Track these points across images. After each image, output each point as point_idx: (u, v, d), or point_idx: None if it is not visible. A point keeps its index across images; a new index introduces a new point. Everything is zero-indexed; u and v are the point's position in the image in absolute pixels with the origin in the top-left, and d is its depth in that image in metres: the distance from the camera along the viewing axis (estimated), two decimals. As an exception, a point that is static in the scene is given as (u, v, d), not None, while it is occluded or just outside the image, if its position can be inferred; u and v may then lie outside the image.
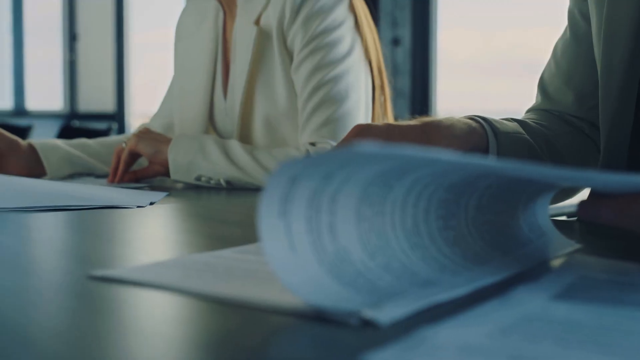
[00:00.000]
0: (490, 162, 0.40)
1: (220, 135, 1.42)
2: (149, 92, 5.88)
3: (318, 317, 0.38)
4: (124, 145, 1.27)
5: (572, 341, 0.33)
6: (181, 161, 1.21)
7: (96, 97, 5.96)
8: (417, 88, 3.49)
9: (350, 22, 1.30)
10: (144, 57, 5.86)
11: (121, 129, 5.47)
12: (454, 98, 3.95)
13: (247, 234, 0.73)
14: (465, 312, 0.38)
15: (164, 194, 1.01)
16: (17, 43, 6.46)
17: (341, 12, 1.28)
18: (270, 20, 1.30)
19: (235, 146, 1.21)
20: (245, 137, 1.34)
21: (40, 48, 6.44)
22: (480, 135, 0.74)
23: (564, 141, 0.85)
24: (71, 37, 6.13)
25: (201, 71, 1.43)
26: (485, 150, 0.75)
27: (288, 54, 1.30)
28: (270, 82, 1.31)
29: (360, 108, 1.27)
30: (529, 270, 0.50)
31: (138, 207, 0.88)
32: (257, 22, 1.32)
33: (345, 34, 1.28)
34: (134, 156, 1.27)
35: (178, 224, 0.83)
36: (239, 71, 1.34)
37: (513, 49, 4.17)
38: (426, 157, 0.38)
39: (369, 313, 0.37)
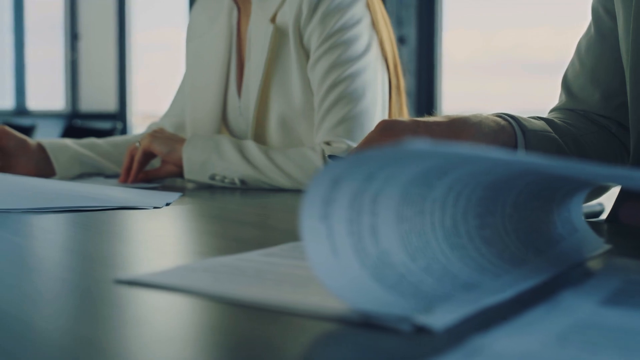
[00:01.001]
0: (539, 159, 0.38)
1: (234, 135, 1.41)
2: (151, 92, 5.88)
3: (365, 323, 0.36)
4: (137, 144, 1.26)
5: (636, 350, 0.32)
6: (196, 160, 1.20)
7: (98, 97, 5.95)
8: (423, 87, 3.48)
9: (367, 20, 1.28)
10: (146, 56, 5.84)
11: (124, 129, 5.45)
12: (456, 98, 3.94)
13: (266, 236, 0.71)
14: (515, 319, 0.37)
15: (179, 194, 1.00)
16: (18, 42, 6.45)
17: (358, 9, 1.27)
18: (286, 17, 1.29)
19: (250, 146, 1.20)
20: (260, 136, 1.32)
21: (41, 47, 6.43)
22: (509, 133, 0.73)
23: (590, 140, 0.83)
24: (73, 37, 6.12)
25: (214, 70, 1.41)
26: (513, 149, 0.73)
27: (304, 52, 1.28)
28: (286, 80, 1.30)
29: (376, 106, 1.25)
30: (568, 272, 0.49)
31: (154, 208, 0.87)
32: (272, 19, 1.31)
33: (362, 32, 1.27)
34: (147, 156, 1.25)
35: (196, 225, 0.82)
36: (254, 70, 1.32)
37: (513, 49, 4.15)
38: (477, 155, 0.37)
39: (422, 318, 0.35)
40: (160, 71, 6.03)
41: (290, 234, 0.67)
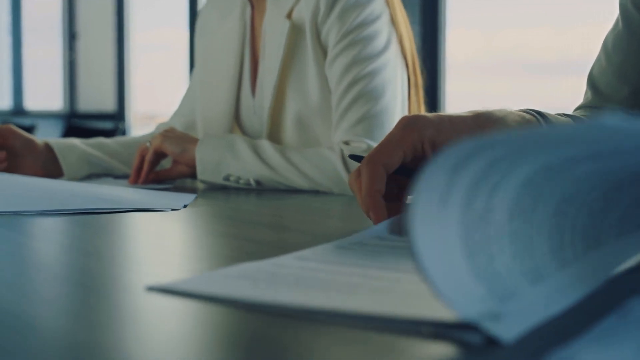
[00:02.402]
0: None
1: (247, 135, 1.38)
2: (150, 92, 5.85)
3: (433, 335, 0.34)
4: (148, 144, 1.23)
5: None
6: (210, 160, 1.17)
7: (96, 97, 5.92)
8: (426, 87, 3.46)
9: (386, 17, 1.26)
10: (145, 56, 5.82)
11: (125, 129, 5.43)
12: (457, 98, 3.92)
13: (289, 238, 0.69)
14: (588, 328, 0.34)
15: (194, 195, 0.97)
16: (16, 42, 6.42)
17: (377, 5, 1.24)
18: (303, 13, 1.26)
19: (265, 145, 1.17)
20: (275, 135, 1.30)
21: (39, 47, 6.40)
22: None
23: None
24: (71, 36, 6.09)
25: (226, 68, 1.38)
26: None
27: (322, 49, 1.26)
28: (303, 78, 1.27)
29: (396, 105, 1.23)
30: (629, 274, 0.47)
31: (172, 210, 0.85)
32: (289, 16, 1.28)
33: (382, 29, 1.24)
34: (159, 156, 1.22)
35: (215, 227, 0.79)
36: (269, 67, 1.29)
37: (513, 49, 4.14)
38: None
39: (491, 328, 0.33)
40: (160, 72, 6.00)
41: (313, 236, 0.64)
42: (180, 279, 0.46)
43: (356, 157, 0.74)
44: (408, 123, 0.66)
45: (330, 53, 1.24)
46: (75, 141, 1.35)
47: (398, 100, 1.24)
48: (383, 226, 0.62)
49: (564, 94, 3.63)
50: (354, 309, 0.38)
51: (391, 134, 0.66)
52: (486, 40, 4.37)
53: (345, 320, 0.37)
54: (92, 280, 0.50)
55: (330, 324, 0.36)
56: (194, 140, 1.21)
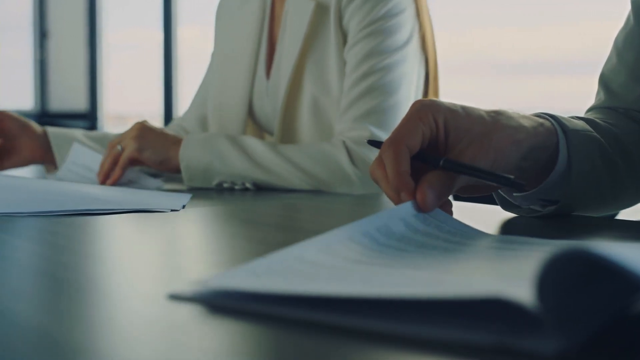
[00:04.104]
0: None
1: (258, 117, 1.34)
2: (122, 92, 5.78)
3: (499, 345, 0.32)
4: (119, 148, 1.15)
5: None
6: (196, 167, 1.13)
7: (68, 96, 5.84)
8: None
9: (411, 10, 1.23)
10: (118, 56, 5.75)
11: (95, 130, 5.36)
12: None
13: (295, 238, 0.67)
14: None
15: (189, 195, 0.95)
16: (-15, 40, 6.31)
17: None
18: None
19: (254, 144, 1.13)
20: (289, 119, 1.26)
21: (9, 46, 6.29)
22: (549, 130, 0.69)
23: (633, 139, 0.80)
24: (42, 35, 6.00)
25: (243, 51, 1.35)
26: (555, 148, 0.70)
27: (342, 34, 1.23)
28: (322, 61, 1.24)
29: (409, 102, 1.20)
30: None
31: (172, 210, 0.83)
32: None
33: (406, 22, 1.21)
34: (134, 162, 1.16)
35: (220, 229, 0.78)
36: (288, 47, 1.26)
37: (482, 49, 4.15)
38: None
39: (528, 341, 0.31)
40: (132, 72, 5.94)
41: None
42: (203, 287, 0.42)
43: (375, 143, 0.72)
44: (423, 105, 0.64)
45: (351, 39, 1.21)
46: (77, 132, 1.31)
47: (411, 99, 1.21)
48: (409, 206, 0.59)
49: (532, 94, 3.66)
50: (412, 294, 0.35)
51: (408, 115, 0.64)
52: (454, 40, 4.38)
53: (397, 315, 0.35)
54: (107, 289, 0.48)
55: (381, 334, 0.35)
56: (174, 142, 1.16)
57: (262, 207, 0.97)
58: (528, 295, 0.31)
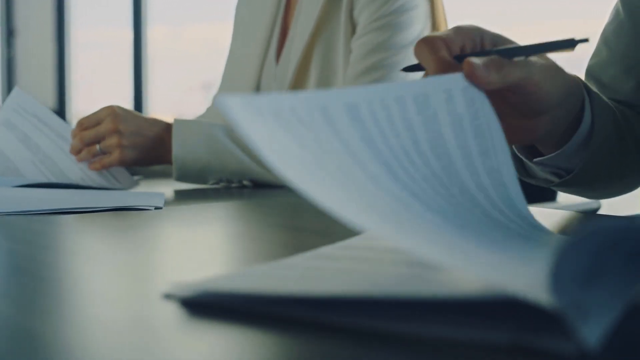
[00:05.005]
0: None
1: None
2: (91, 91, 5.72)
3: (515, 344, 0.31)
4: (98, 148, 1.08)
5: None
6: (191, 167, 1.07)
7: (36, 95, 5.74)
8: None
9: (424, 8, 1.21)
10: (87, 54, 5.69)
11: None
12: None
13: (291, 235, 0.66)
14: None
15: (162, 194, 0.91)
16: (-50, 38, 6.21)
17: None
18: None
19: None
20: None
21: (-25, 43, 6.20)
22: (580, 84, 0.67)
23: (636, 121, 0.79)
24: (9, 33, 5.91)
25: (257, 35, 1.35)
26: (582, 103, 0.68)
27: (352, 24, 1.22)
28: (331, 49, 1.23)
29: None
30: None
31: (156, 208, 0.81)
32: None
33: (418, 19, 1.20)
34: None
35: (202, 227, 0.76)
36: (300, 32, 1.25)
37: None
38: None
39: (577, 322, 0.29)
40: (101, 70, 5.88)
41: (325, 235, 0.61)
42: (200, 282, 0.40)
43: (409, 68, 0.66)
44: (464, 24, 0.60)
45: (360, 30, 1.20)
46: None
47: None
48: (458, 78, 0.54)
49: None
50: (431, 293, 0.34)
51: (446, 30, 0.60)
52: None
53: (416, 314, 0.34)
54: (101, 292, 0.46)
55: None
56: (161, 132, 1.09)
57: (242, 202, 0.95)
58: (546, 291, 0.29)
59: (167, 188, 1.07)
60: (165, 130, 1.10)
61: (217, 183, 1.10)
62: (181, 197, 1.00)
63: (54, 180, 1.06)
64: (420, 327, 0.33)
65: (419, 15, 1.20)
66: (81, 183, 1.06)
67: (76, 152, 1.09)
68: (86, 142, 1.09)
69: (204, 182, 1.10)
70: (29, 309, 0.38)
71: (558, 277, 0.29)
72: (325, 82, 1.23)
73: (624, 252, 0.33)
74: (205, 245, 0.63)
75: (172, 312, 0.37)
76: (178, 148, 1.07)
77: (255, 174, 1.08)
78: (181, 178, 1.10)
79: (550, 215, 0.76)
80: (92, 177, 1.08)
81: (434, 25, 1.23)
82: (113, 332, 0.34)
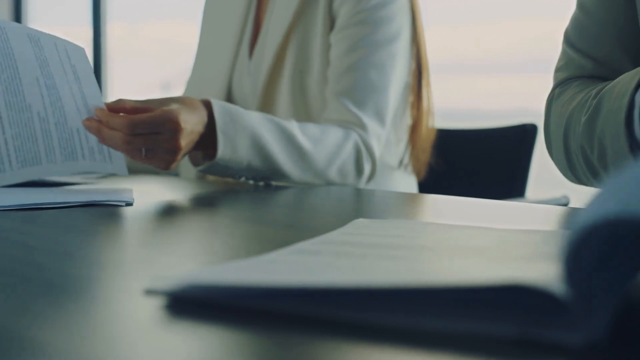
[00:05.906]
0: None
1: (236, 97, 1.30)
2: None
3: (521, 337, 0.30)
4: (142, 153, 0.91)
5: None
6: (231, 168, 1.00)
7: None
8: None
9: (403, 2, 1.21)
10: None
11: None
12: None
13: (277, 231, 0.65)
14: None
15: (131, 189, 0.89)
16: None
17: None
18: None
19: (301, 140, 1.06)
20: (269, 98, 1.23)
21: None
22: None
23: None
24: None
25: (228, 30, 1.33)
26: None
27: (330, 18, 1.21)
28: (307, 42, 1.22)
29: (395, 99, 1.20)
30: None
31: (127, 204, 0.79)
32: None
33: (397, 13, 1.19)
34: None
35: (177, 223, 0.74)
36: (274, 26, 1.24)
37: (438, 49, 4.20)
38: None
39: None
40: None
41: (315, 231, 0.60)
42: (182, 276, 0.39)
43: None
44: None
45: (339, 24, 1.19)
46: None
47: (398, 95, 1.21)
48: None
49: (456, 94, 3.71)
50: (426, 283, 0.33)
51: None
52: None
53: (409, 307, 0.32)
54: (82, 287, 0.44)
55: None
56: (205, 136, 0.97)
57: (262, 205, 0.93)
58: (552, 280, 0.29)
59: (132, 184, 1.05)
60: (208, 127, 0.98)
61: (238, 178, 1.05)
62: (150, 193, 0.98)
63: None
64: (420, 320, 0.32)
65: (398, 8, 1.20)
66: (68, 141, 0.92)
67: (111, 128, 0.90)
68: (134, 143, 0.90)
69: (231, 177, 1.05)
70: (4, 306, 0.37)
71: (571, 269, 0.28)
72: (299, 76, 1.22)
73: (623, 245, 0.32)
74: (179, 242, 0.62)
75: (154, 307, 0.36)
76: (226, 150, 0.98)
77: (275, 179, 1.06)
78: (210, 172, 1.03)
79: (533, 211, 0.76)
80: (89, 139, 0.93)
81: (414, 19, 1.23)
82: (95, 328, 0.33)
